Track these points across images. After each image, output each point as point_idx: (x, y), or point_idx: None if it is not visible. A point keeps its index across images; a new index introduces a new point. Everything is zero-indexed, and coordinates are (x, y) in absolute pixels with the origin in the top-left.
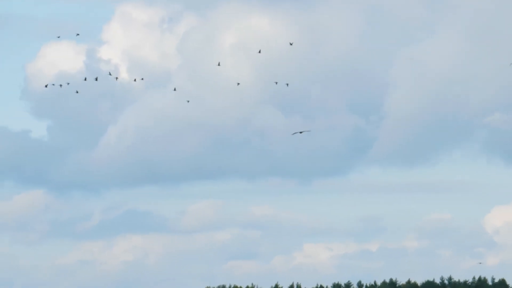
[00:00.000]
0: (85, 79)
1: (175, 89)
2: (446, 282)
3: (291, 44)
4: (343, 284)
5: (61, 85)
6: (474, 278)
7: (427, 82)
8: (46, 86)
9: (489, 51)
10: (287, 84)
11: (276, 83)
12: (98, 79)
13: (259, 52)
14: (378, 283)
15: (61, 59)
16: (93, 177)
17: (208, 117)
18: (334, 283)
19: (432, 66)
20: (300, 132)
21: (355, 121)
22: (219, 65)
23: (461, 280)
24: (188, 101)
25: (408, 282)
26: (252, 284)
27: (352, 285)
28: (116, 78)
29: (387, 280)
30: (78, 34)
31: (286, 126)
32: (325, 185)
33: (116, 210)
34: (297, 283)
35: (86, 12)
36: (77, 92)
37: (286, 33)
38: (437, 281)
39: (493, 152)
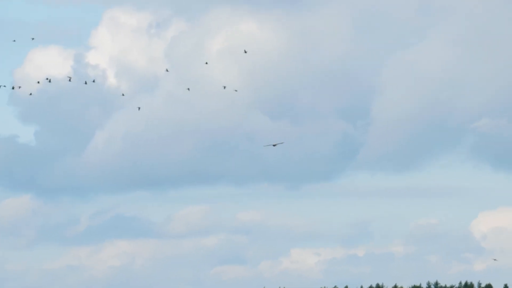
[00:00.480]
0: (38, 82)
1: (139, 108)
2: (432, 287)
3: (245, 53)
4: None
5: (13, 88)
6: (460, 283)
7: (415, 87)
8: None
9: (477, 57)
10: (236, 90)
11: (224, 87)
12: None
13: (205, 65)
14: None
15: (48, 64)
16: (81, 182)
17: (196, 122)
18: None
19: (420, 72)
20: (274, 145)
21: (344, 126)
22: (188, 89)
23: (448, 285)
24: (139, 108)
25: (395, 287)
26: None
27: None
28: (69, 79)
29: (374, 285)
30: (33, 39)
31: (274, 131)
32: (313, 190)
33: (104, 215)
34: None
35: (74, 17)
36: (30, 94)
37: (275, 38)
38: (424, 286)
39: (481, 157)
